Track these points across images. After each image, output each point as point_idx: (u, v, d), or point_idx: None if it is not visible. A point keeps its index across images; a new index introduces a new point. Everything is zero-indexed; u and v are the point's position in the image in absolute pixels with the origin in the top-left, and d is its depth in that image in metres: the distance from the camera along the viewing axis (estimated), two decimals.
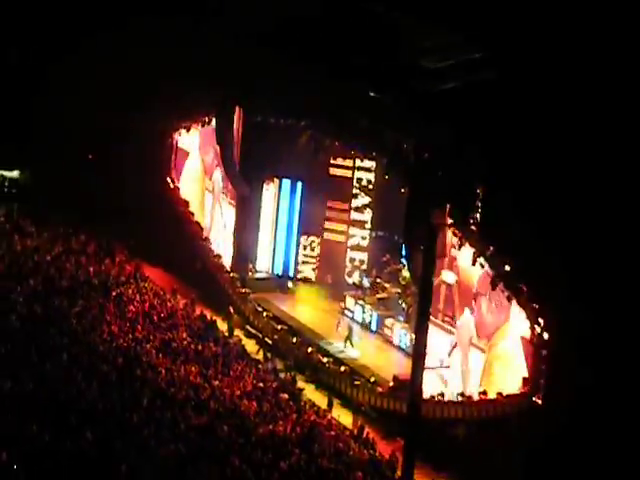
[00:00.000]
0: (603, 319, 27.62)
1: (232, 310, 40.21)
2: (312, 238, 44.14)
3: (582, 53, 28.13)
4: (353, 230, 43.56)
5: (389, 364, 36.79)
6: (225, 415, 29.50)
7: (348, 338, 38.11)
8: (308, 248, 44.20)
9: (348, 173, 43.32)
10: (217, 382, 31.73)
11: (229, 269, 43.10)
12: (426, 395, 30.37)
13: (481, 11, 29.19)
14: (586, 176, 28.00)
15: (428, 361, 29.27)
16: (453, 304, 34.88)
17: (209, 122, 43.63)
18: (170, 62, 41.40)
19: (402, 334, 38.07)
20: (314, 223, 43.83)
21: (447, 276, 34.77)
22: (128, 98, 43.52)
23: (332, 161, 43.12)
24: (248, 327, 40.19)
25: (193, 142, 46.67)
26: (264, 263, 44.43)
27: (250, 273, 43.62)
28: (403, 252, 36.28)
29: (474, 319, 33.73)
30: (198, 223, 45.12)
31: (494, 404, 31.06)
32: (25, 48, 45.88)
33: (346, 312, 40.81)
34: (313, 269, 44.24)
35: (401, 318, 38.96)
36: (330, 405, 34.00)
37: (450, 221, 31.20)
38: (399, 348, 38.06)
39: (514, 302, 30.56)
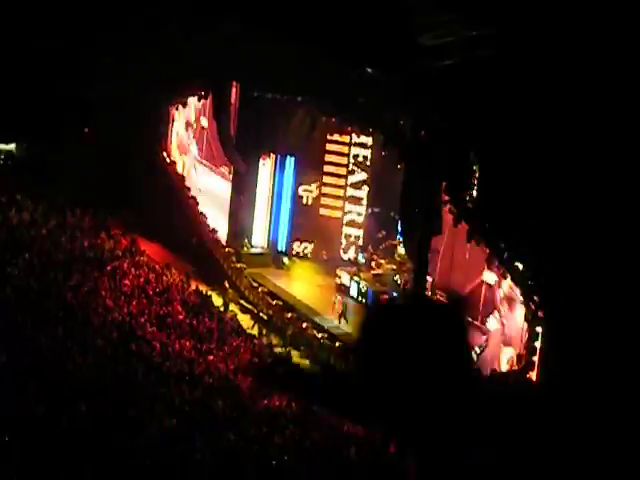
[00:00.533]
0: (599, 298, 27.71)
1: (227, 285, 40.22)
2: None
3: (582, 34, 28.11)
4: (349, 206, 43.40)
5: None
6: (220, 390, 29.58)
7: (343, 315, 38.16)
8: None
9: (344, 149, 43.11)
10: (212, 357, 31.80)
11: (224, 244, 43.05)
12: None
13: None
14: (583, 155, 28.02)
15: None
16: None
17: (206, 96, 43.53)
18: (168, 41, 41.30)
19: None
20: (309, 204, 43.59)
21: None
22: (127, 74, 43.39)
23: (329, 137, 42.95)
24: (243, 302, 40.21)
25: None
26: (260, 238, 44.35)
27: (245, 248, 43.55)
28: (399, 228, 36.25)
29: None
30: (194, 197, 45.05)
31: (488, 381, 31.11)
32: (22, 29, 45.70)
33: (342, 289, 40.77)
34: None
35: (396, 294, 38.96)
36: None
37: (446, 198, 31.20)
38: None
39: None
